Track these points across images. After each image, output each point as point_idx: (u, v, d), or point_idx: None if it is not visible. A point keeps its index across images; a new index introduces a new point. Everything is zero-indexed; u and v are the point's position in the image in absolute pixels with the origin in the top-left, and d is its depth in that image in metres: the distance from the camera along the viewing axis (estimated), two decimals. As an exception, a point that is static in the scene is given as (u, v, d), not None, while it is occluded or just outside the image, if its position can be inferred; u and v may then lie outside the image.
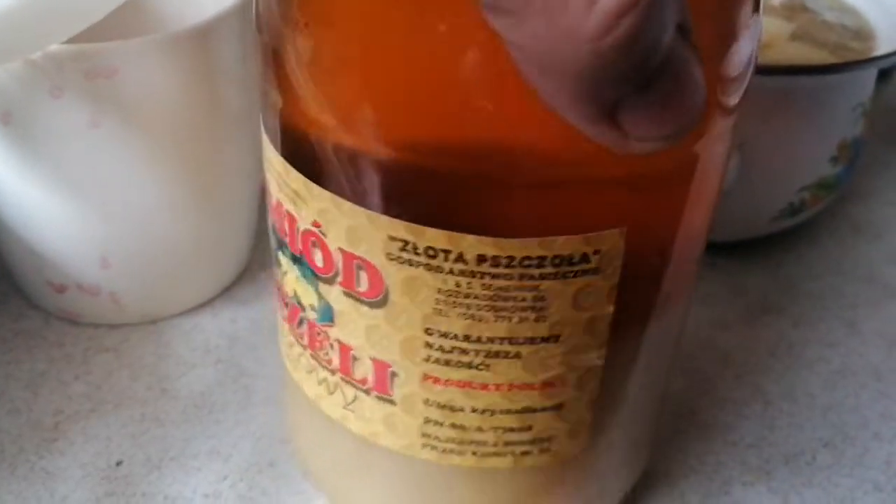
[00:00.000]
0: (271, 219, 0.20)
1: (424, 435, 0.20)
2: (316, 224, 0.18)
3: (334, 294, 0.18)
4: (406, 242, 0.17)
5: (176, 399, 0.28)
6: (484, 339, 0.18)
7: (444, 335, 0.18)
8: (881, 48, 0.33)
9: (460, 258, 0.17)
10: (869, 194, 0.39)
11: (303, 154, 0.18)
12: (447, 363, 0.18)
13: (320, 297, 0.19)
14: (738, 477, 0.26)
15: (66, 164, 0.26)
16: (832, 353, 0.31)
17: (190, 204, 0.29)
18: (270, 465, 0.26)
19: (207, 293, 0.31)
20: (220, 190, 0.29)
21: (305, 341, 0.20)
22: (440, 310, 0.17)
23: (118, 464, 0.26)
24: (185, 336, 0.30)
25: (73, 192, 0.27)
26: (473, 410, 0.19)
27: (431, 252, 0.17)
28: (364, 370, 0.19)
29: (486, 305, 0.17)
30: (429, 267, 0.17)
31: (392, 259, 0.17)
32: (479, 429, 0.19)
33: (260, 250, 0.33)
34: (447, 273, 0.17)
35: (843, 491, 0.26)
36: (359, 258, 0.17)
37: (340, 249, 0.18)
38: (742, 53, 0.17)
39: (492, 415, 0.19)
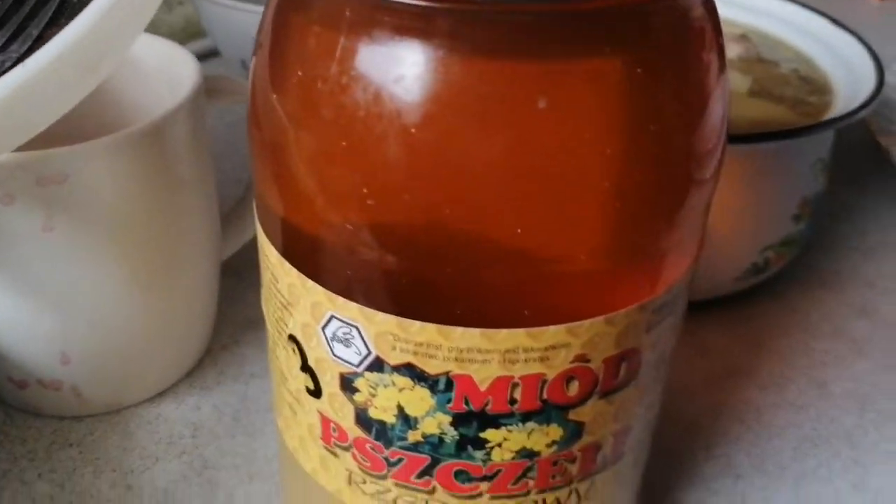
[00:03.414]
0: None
1: None
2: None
3: None
4: None
5: (139, 497, 0.27)
6: None
7: None
8: (838, 100, 0.33)
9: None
10: (833, 242, 0.38)
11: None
12: None
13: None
14: (707, 559, 0.26)
15: (19, 267, 0.26)
16: (803, 417, 0.30)
17: (148, 295, 0.28)
18: (236, 564, 0.26)
19: (170, 379, 0.31)
20: (177, 277, 0.29)
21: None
22: None
23: (81, 569, 0.25)
24: (149, 426, 0.30)
25: (29, 292, 0.26)
26: None
27: None
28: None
29: None
30: None
31: None
32: None
33: (220, 331, 0.33)
34: None
35: (813, 568, 0.26)
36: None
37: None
38: (713, 121, 0.17)
39: None
